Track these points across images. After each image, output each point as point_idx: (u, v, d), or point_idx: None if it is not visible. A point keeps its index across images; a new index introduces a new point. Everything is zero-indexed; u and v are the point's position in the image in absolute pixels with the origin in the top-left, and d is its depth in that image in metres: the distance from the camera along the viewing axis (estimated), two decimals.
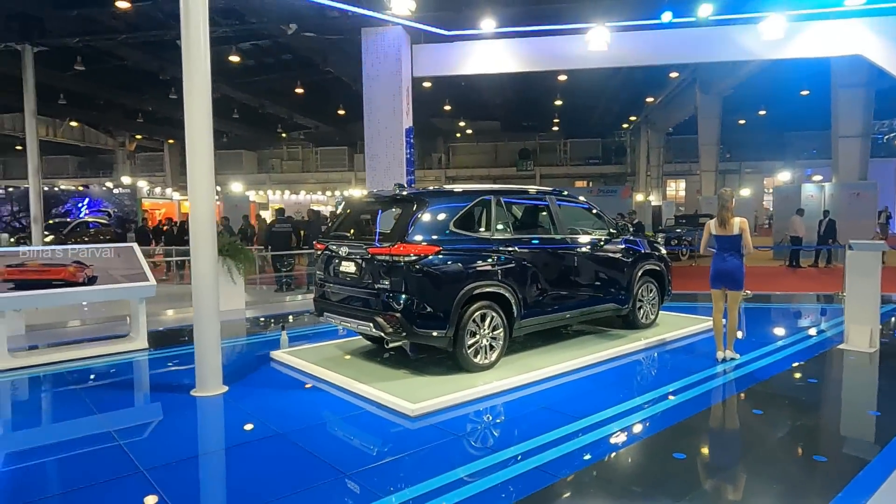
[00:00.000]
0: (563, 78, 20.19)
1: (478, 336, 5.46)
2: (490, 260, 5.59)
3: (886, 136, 31.58)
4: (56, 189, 26.20)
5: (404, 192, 5.60)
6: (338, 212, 6.66)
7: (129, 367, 6.17)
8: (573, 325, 7.29)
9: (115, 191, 25.78)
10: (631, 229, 7.58)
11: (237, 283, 9.48)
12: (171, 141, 35.71)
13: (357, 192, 26.99)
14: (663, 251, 7.85)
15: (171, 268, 14.43)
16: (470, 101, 26.55)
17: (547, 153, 36.99)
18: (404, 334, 5.17)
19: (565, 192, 7.10)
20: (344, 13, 9.98)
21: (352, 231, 5.91)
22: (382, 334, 5.26)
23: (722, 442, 4.34)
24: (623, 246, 7.04)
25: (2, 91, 19.74)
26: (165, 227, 17.56)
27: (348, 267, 5.61)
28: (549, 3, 12.48)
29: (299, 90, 22.47)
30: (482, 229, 5.79)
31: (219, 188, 30.82)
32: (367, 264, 5.39)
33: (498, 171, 36.01)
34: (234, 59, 16.99)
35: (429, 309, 5.17)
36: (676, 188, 38.03)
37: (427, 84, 19.08)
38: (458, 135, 36.82)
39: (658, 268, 7.43)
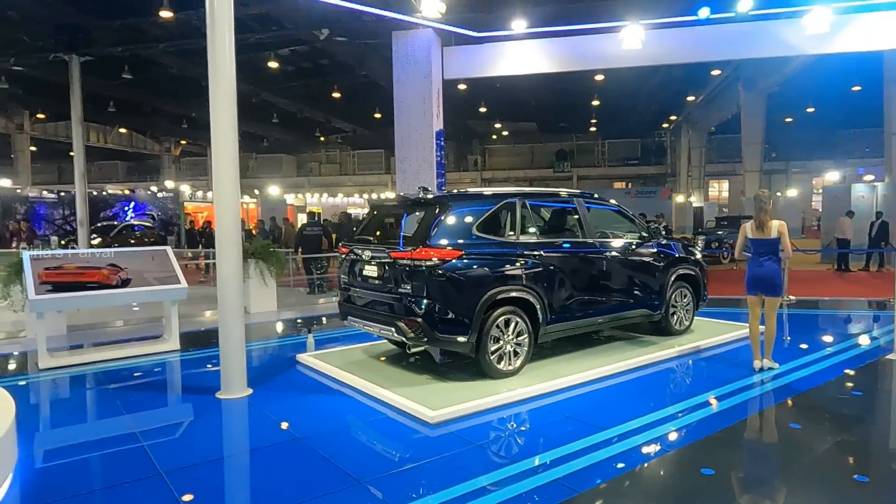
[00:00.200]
0: (600, 78, 19.85)
1: (501, 342, 5.36)
2: (514, 264, 5.48)
3: None
4: (104, 193, 27.22)
5: (427, 196, 5.55)
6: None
7: (160, 368, 6.30)
8: (604, 331, 7.11)
9: (160, 194, 26.61)
10: (663, 232, 7.33)
11: (269, 286, 9.62)
12: None
13: (382, 196, 27.13)
14: (699, 255, 7.58)
15: (209, 269, 14.77)
16: (506, 103, 26.39)
17: (584, 154, 36.48)
18: (426, 340, 5.11)
19: (595, 195, 6.94)
20: (374, 17, 10.01)
21: (375, 235, 5.89)
22: (404, 339, 5.21)
23: (755, 458, 4.12)
24: (655, 250, 6.82)
25: (57, 100, 20.66)
26: (202, 229, 18.00)
27: (371, 271, 5.59)
28: (582, 2, 12.28)
29: (336, 94, 22.77)
30: (507, 233, 5.69)
31: (257, 191, 31.49)
32: (390, 268, 5.36)
33: (534, 173, 35.71)
34: (273, 64, 17.34)
35: (451, 314, 5.10)
36: (719, 189, 36.95)
37: (462, 86, 19.05)
38: (494, 136, 36.66)
39: (693, 272, 7.17)
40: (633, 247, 6.67)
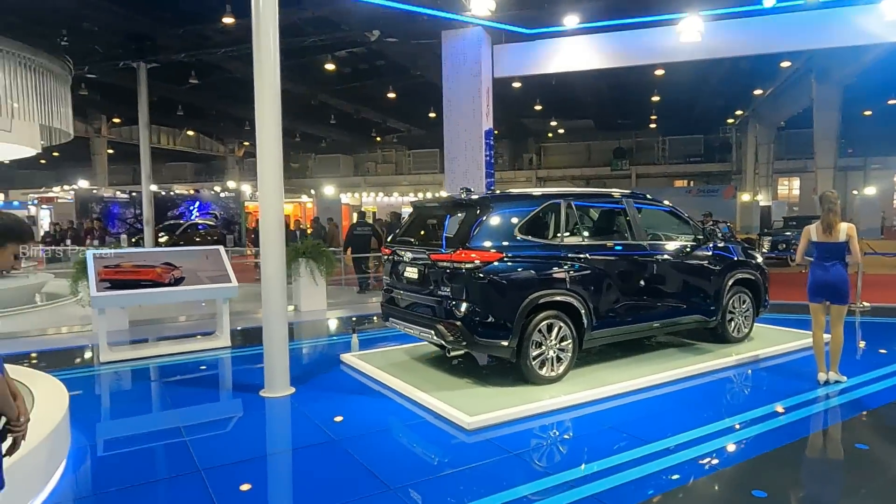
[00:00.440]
0: (660, 72, 19.16)
1: (544, 347, 5.21)
2: (558, 267, 5.31)
3: None
4: (171, 193, 28.53)
5: (469, 196, 5.46)
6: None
7: (210, 365, 6.49)
8: (656, 338, 6.82)
9: (222, 194, 27.65)
10: (719, 234, 6.96)
11: (319, 285, 9.77)
12: None
13: (432, 195, 27.11)
14: (760, 258, 7.16)
15: None
16: (561, 100, 25.89)
17: (643, 152, 35.39)
18: (465, 343, 5.03)
19: (647, 195, 6.67)
20: (424, 17, 9.99)
21: (416, 236, 5.85)
22: (443, 342, 5.15)
23: (814, 480, 3.82)
24: (711, 253, 6.48)
25: (131, 105, 21.86)
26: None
27: (412, 273, 5.56)
28: None
29: (392, 95, 23.00)
30: (551, 235, 5.53)
31: (313, 191, 32.23)
32: (430, 270, 5.30)
33: (591, 172, 34.92)
34: (330, 67, 17.67)
35: (491, 318, 5.00)
36: (790, 187, 35.03)
37: (517, 84, 18.84)
38: (550, 135, 36.06)
39: (752, 277, 6.77)
40: (687, 249, 6.36)
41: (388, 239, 6.41)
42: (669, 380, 5.51)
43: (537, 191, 5.79)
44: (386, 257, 6.08)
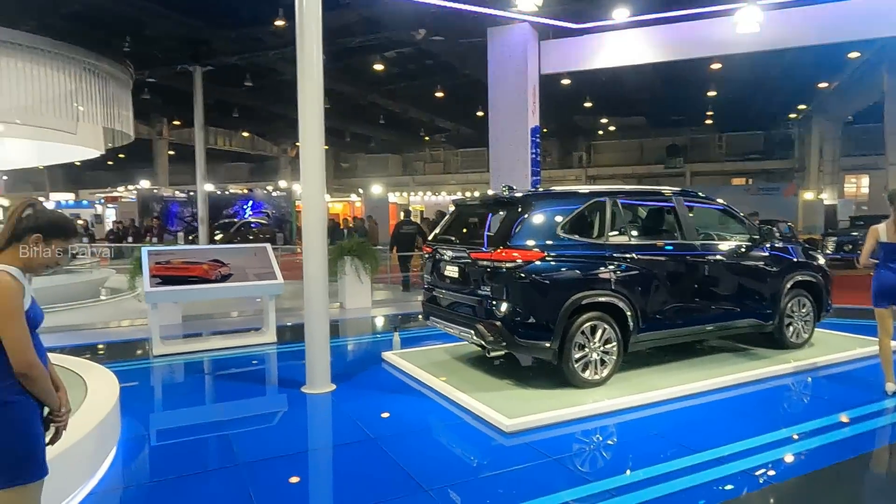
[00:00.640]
0: (716, 66, 18.42)
1: (587, 349, 5.06)
2: (603, 267, 5.15)
3: None
4: (226, 192, 29.48)
5: (510, 194, 5.36)
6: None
7: (255, 360, 6.62)
8: (708, 342, 6.54)
9: (274, 193, 28.38)
10: (777, 234, 6.60)
11: (364, 283, 9.85)
12: (325, 147, 38.56)
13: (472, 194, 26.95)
14: (822, 260, 6.76)
15: None
16: (612, 97, 25.30)
17: (699, 149, 34.20)
18: (505, 344, 4.94)
19: (699, 193, 6.40)
20: (470, 14, 9.93)
21: (457, 234, 5.79)
22: (483, 343, 5.07)
23: (877, 499, 3.55)
24: (767, 253, 6.15)
25: (190, 108, 22.75)
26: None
27: (452, 271, 5.50)
28: None
29: (440, 94, 23.06)
30: (595, 234, 5.37)
31: (361, 190, 32.67)
32: (470, 269, 5.24)
33: (643, 170, 34.01)
34: (379, 67, 17.86)
35: (532, 318, 4.89)
36: (858, 185, 33.13)
37: (566, 81, 18.51)
38: (601, 132, 35.33)
39: (813, 279, 6.40)
40: (742, 250, 6.06)
41: (429, 237, 6.37)
42: (721, 386, 5.26)
43: (581, 188, 5.65)
44: (427, 256, 6.05)
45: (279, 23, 13.35)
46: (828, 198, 27.81)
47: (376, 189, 29.98)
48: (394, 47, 16.52)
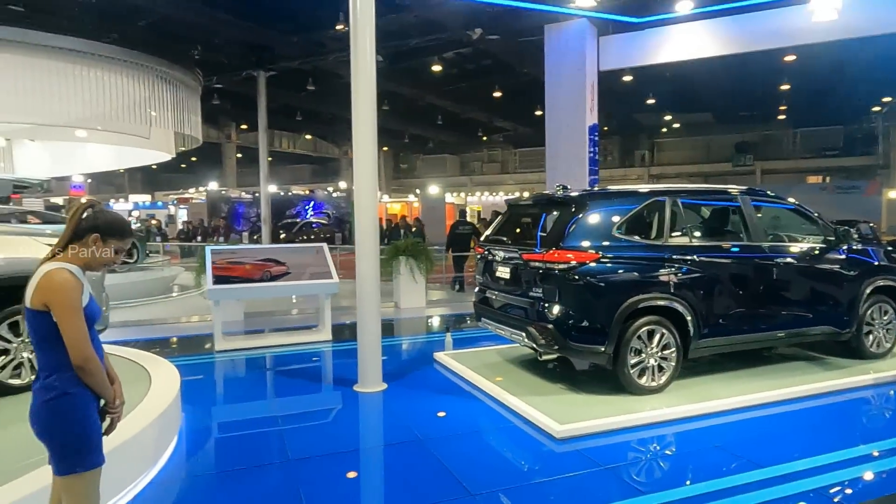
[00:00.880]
0: (790, 58, 17.44)
1: (644, 355, 4.87)
2: (661, 270, 4.94)
3: None
4: (289, 193, 30.41)
5: (563, 194, 5.23)
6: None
7: (311, 357, 6.76)
8: (777, 349, 6.18)
9: (334, 194, 29.02)
10: (857, 236, 6.15)
11: (418, 283, 9.89)
12: (384, 148, 39.12)
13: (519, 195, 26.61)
14: None
15: None
16: (677, 92, 24.40)
17: (770, 146, 32.47)
18: (556, 347, 4.82)
19: (768, 192, 6.05)
20: (526, 11, 9.80)
21: (509, 235, 5.70)
22: (534, 345, 4.97)
23: None
24: (844, 256, 5.74)
25: (256, 113, 23.66)
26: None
27: (504, 272, 5.42)
28: None
29: (498, 94, 22.94)
30: (653, 235, 5.16)
31: (418, 191, 32.92)
32: (522, 270, 5.14)
33: (709, 168, 32.65)
34: (437, 68, 17.95)
35: (585, 322, 4.75)
36: None
37: (627, 77, 18.01)
38: (664, 129, 34.20)
39: None
40: (815, 252, 5.69)
41: (482, 238, 6.31)
42: (790, 397, 4.95)
43: (639, 187, 5.45)
44: (479, 256, 6.00)
45: (340, 27, 13.62)
46: None
47: (433, 189, 30.14)
48: (451, 48, 16.54)
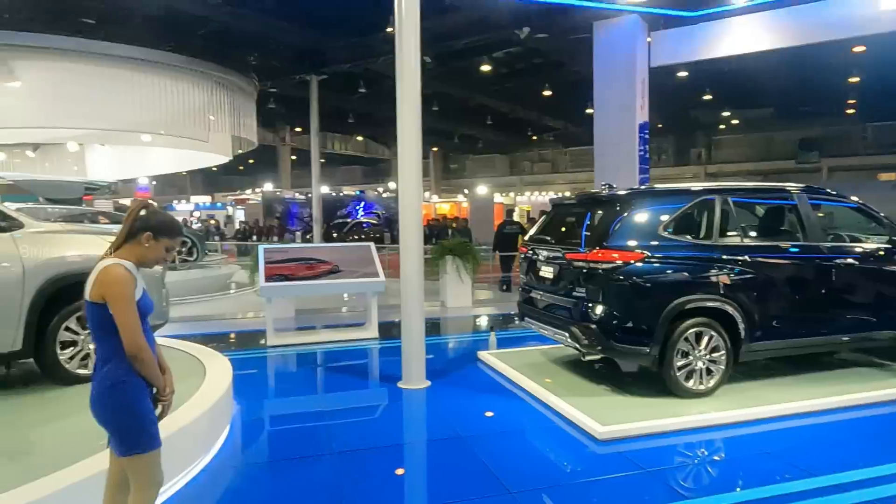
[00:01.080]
0: (859, 49, 16.54)
1: (691, 357, 4.75)
2: (710, 270, 4.80)
3: None
4: (340, 194, 31.04)
5: (609, 193, 5.16)
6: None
7: (357, 354, 6.90)
8: (838, 354, 5.90)
9: (385, 195, 29.43)
10: None
11: (465, 282, 9.93)
12: (434, 149, 39.37)
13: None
14: None
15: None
16: (735, 88, 23.49)
17: (837, 142, 30.83)
18: (600, 348, 4.75)
19: (827, 190, 5.78)
20: (575, 8, 9.68)
21: (553, 234, 5.66)
22: (577, 346, 4.92)
23: None
24: None
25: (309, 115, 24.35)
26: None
27: (548, 272, 5.39)
28: None
29: (547, 92, 22.73)
30: (702, 234, 5.02)
31: (466, 190, 32.96)
32: (565, 270, 5.11)
33: (770, 166, 31.29)
34: (486, 67, 17.95)
35: (629, 322, 4.67)
36: None
37: (682, 73, 17.51)
38: (722, 126, 32.99)
39: None
40: (880, 253, 5.40)
41: (526, 237, 6.29)
42: (850, 404, 4.72)
43: (688, 186, 5.31)
44: (523, 256, 5.98)
45: (389, 30, 13.81)
46: None
47: (481, 189, 30.15)
48: (500, 47, 16.51)
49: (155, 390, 2.33)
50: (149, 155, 16.20)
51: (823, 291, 5.16)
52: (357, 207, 27.90)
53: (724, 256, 4.87)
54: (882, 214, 5.68)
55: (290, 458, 3.94)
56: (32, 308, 4.10)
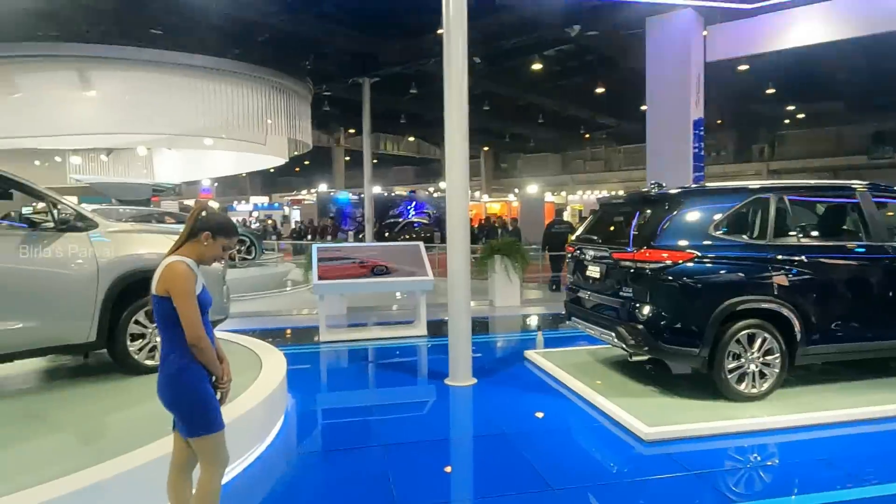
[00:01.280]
0: None
1: (743, 360, 4.63)
2: (764, 271, 4.67)
3: None
4: (392, 194, 31.48)
5: (658, 191, 5.09)
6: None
7: (406, 351, 7.05)
8: None
9: (435, 194, 29.66)
10: None
11: (513, 281, 9.94)
12: (485, 148, 39.36)
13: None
14: None
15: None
16: (800, 81, 22.42)
17: None
18: (647, 348, 4.71)
19: (894, 187, 5.50)
20: (627, 4, 9.53)
21: (600, 234, 5.63)
22: (623, 346, 4.89)
23: None
24: None
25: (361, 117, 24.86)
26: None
27: (594, 272, 5.37)
28: None
29: (600, 89, 22.37)
30: (756, 234, 4.88)
31: (517, 190, 32.79)
32: (612, 270, 5.08)
33: (840, 162, 29.71)
34: (537, 66, 17.87)
35: (678, 324, 4.61)
36: None
37: (743, 67, 16.92)
38: (787, 121, 31.57)
39: None
40: None
41: (573, 237, 6.27)
42: None
43: (741, 184, 5.18)
44: (570, 255, 5.97)
45: (440, 31, 13.94)
46: None
47: (532, 189, 29.95)
48: (551, 45, 16.39)
49: (214, 378, 2.51)
50: (211, 158, 16.96)
51: (890, 294, 4.93)
52: (408, 207, 28.26)
53: (780, 257, 4.73)
54: None
55: (341, 449, 4.10)
56: (105, 303, 4.41)
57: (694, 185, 5.38)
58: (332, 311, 8.57)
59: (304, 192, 38.64)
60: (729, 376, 4.61)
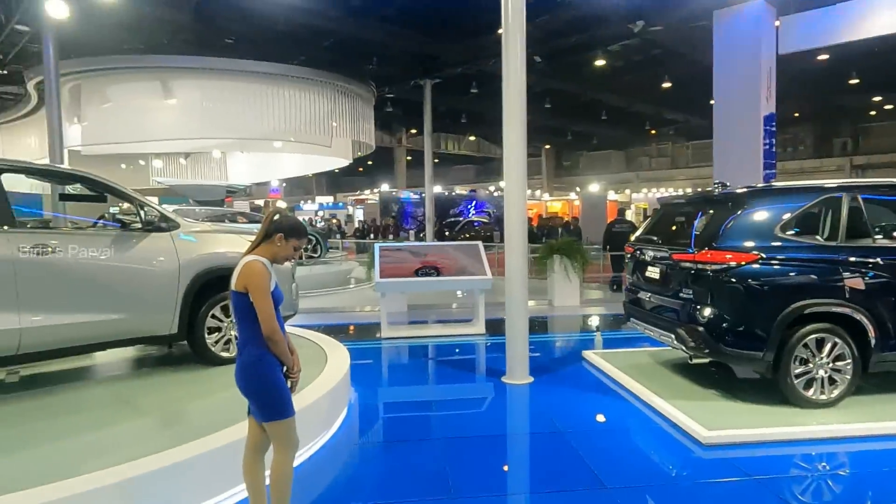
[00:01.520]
0: None
1: (811, 365, 4.48)
2: (834, 273, 4.50)
3: None
4: (453, 193, 31.72)
5: (721, 191, 4.99)
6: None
7: (464, 348, 7.18)
8: None
9: (495, 194, 29.66)
10: None
11: (572, 281, 9.88)
12: (547, 147, 38.99)
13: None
14: None
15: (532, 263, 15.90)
16: (887, 70, 21.07)
17: None
18: (707, 351, 4.63)
19: None
20: None
21: (660, 234, 5.55)
22: (683, 348, 4.82)
23: None
24: None
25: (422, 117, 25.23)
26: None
27: (654, 273, 5.31)
28: None
29: (667, 84, 21.75)
30: (826, 235, 4.70)
31: (578, 188, 32.28)
32: (672, 271, 5.01)
33: None
34: (601, 62, 17.59)
35: (740, 326, 4.51)
36: None
37: (822, 56, 16.06)
38: (872, 113, 29.64)
39: None
40: None
41: (632, 237, 6.21)
42: None
43: (811, 183, 4.99)
44: (629, 256, 5.92)
45: (500, 31, 13.99)
46: None
47: (594, 187, 29.43)
48: (614, 41, 16.10)
49: (285, 368, 2.71)
50: (280, 160, 17.71)
51: None
52: (469, 206, 28.42)
53: (852, 259, 4.55)
54: None
55: (400, 441, 4.28)
56: (186, 297, 4.76)
57: (759, 185, 5.21)
58: (394, 308, 8.80)
59: (367, 191, 39.52)
60: (795, 381, 4.47)
